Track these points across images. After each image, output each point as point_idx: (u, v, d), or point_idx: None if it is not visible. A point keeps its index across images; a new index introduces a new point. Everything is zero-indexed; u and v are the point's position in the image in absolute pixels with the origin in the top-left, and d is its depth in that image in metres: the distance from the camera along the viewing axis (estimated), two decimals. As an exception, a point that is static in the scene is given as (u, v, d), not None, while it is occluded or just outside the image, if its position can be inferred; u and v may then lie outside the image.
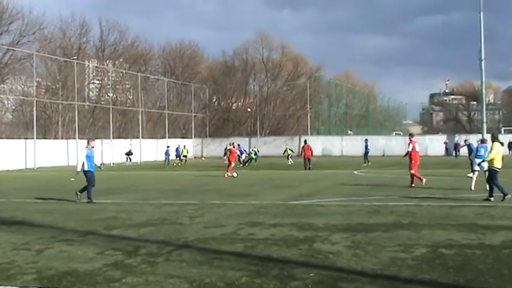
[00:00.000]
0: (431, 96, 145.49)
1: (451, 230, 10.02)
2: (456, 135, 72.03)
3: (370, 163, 38.34)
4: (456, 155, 52.51)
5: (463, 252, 8.08)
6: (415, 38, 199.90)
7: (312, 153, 34.86)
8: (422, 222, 11.03)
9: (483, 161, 15.71)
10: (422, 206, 13.99)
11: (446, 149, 61.41)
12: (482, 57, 65.89)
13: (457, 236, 9.40)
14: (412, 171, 20.22)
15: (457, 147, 61.43)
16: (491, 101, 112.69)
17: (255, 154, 43.96)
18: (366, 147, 39.77)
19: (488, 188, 15.20)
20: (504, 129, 76.61)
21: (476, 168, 17.40)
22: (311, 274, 6.82)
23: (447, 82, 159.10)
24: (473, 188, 17.57)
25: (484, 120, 66.38)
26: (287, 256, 7.99)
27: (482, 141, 17.38)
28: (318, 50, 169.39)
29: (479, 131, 67.59)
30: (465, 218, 11.66)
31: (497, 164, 15.00)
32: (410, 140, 20.78)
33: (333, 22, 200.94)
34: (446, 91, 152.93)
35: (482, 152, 16.48)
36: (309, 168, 33.16)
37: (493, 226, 10.48)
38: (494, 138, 15.43)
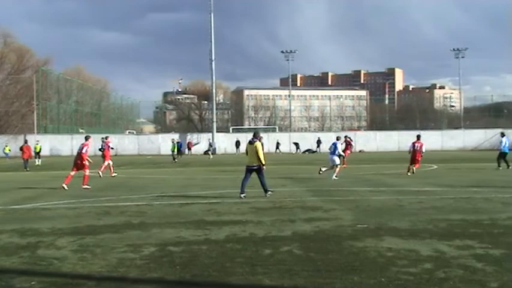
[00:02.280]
0: (165, 94, 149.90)
1: (180, 228, 10.50)
2: (188, 134, 75.41)
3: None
4: (181, 154, 54.16)
5: (190, 248, 8.54)
6: (148, 35, 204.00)
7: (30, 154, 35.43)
8: (153, 221, 11.34)
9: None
10: (153, 205, 14.36)
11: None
12: (213, 58, 69.96)
13: (185, 233, 9.89)
14: None
15: (189, 146, 64.33)
16: (221, 100, 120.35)
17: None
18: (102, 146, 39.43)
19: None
20: (232, 129, 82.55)
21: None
22: (32, 283, 6.55)
23: (180, 81, 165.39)
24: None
25: (214, 119, 70.69)
26: (6, 265, 7.54)
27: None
28: (46, 43, 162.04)
29: (209, 129, 71.83)
30: (194, 215, 12.31)
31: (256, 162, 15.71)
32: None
33: (59, 13, 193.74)
34: (180, 90, 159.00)
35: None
36: (27, 169, 32.63)
37: (219, 222, 11.25)
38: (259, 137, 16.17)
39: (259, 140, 16.15)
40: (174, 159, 44.18)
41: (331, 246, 8.56)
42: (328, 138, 68.37)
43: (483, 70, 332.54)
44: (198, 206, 14.05)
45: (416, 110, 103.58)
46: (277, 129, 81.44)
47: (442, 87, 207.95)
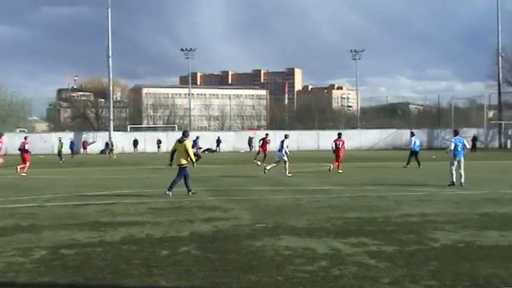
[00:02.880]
0: (59, 91, 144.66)
1: (74, 230, 10.19)
2: (84, 132, 73.25)
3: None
4: (75, 154, 52.47)
5: (83, 251, 8.31)
6: (41, 29, 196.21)
7: None
8: (44, 224, 10.95)
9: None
10: (45, 206, 13.85)
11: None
12: (110, 55, 68.41)
13: (79, 235, 9.62)
14: None
15: (84, 145, 62.60)
16: (119, 98, 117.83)
17: None
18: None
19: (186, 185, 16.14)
20: (130, 127, 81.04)
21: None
22: None
23: (75, 78, 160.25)
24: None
25: (112, 117, 69.08)
26: None
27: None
28: None
29: (106, 128, 70.10)
30: (88, 216, 11.99)
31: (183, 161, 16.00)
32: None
33: None
34: (75, 87, 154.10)
35: None
36: None
37: (114, 223, 11.03)
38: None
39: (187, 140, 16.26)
40: (61, 159, 42.40)
41: (229, 246, 8.63)
42: (228, 138, 68.98)
43: (379, 71, 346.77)
44: (93, 207, 13.70)
45: (315, 110, 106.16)
46: (176, 128, 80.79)
47: (340, 88, 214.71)
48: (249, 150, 62.99)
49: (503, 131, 69.50)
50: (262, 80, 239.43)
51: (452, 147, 18.62)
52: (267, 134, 37.49)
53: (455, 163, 18.48)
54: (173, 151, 16.41)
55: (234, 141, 69.28)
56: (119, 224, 10.91)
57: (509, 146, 67.66)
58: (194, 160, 16.33)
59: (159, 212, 12.68)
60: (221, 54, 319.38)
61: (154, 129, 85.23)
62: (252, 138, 65.12)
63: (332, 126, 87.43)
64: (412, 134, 31.64)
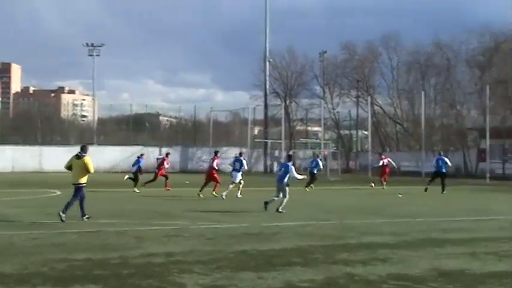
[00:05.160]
0: None
1: None
2: None
3: None
4: None
5: None
6: None
7: None
8: None
9: None
10: None
11: None
12: None
13: None
14: None
15: None
16: None
17: None
18: None
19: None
20: None
21: None
22: None
23: None
24: None
25: None
26: None
27: None
28: None
29: None
30: None
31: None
32: None
33: None
34: None
35: None
36: None
37: None
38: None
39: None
40: None
41: None
42: None
43: (122, 73, 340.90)
44: None
45: (37, 119, 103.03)
46: None
47: (72, 92, 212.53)
48: None
49: (269, 151, 73.22)
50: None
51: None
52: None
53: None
54: (68, 168, 18.05)
55: None
56: None
57: (275, 170, 70.95)
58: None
59: None
60: None
61: None
62: None
63: (60, 141, 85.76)
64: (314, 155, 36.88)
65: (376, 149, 69.79)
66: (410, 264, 11.28)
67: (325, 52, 79.57)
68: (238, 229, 16.61)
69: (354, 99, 78.46)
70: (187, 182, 36.77)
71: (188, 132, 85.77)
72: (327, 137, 77.80)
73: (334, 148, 76.94)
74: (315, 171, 37.31)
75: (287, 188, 21.42)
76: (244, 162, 28.65)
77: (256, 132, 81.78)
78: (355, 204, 26.23)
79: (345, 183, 37.74)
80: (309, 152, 74.55)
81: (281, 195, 21.22)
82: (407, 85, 76.57)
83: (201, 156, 69.60)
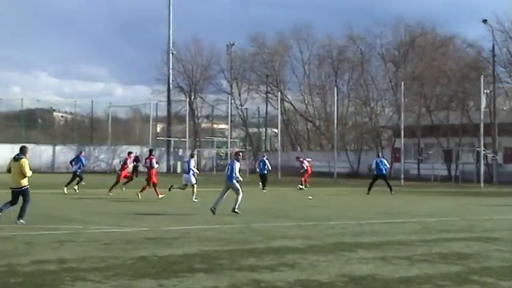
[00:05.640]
0: None
1: None
2: None
3: None
4: None
5: None
6: None
7: None
8: None
9: None
10: None
11: None
12: None
13: None
14: None
15: None
16: None
17: None
18: None
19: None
20: None
21: None
22: None
23: None
24: None
25: None
26: None
27: None
28: None
29: None
30: None
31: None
32: None
33: None
34: None
35: None
36: None
37: None
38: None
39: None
40: None
41: None
42: None
43: (11, 64, 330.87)
44: None
45: None
46: None
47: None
48: None
49: (172, 150, 72.76)
50: None
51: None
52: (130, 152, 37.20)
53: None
54: (8, 170, 18.45)
55: None
56: None
57: (179, 170, 68.36)
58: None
59: None
60: None
61: None
62: None
63: None
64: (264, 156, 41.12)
65: (286, 149, 70.51)
66: (319, 270, 11.33)
67: (233, 44, 78.88)
68: (137, 233, 16.44)
69: (263, 95, 78.53)
70: (84, 184, 35.97)
71: (85, 129, 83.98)
72: (234, 135, 78.05)
73: (242, 147, 76.50)
74: (265, 172, 38.90)
75: (237, 185, 21.65)
76: (191, 164, 28.56)
77: (158, 129, 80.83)
78: (263, 207, 26.32)
79: (252, 185, 37.75)
80: (214, 152, 74.43)
81: (235, 194, 21.50)
82: (319, 80, 77.23)
83: (99, 156, 68.50)
